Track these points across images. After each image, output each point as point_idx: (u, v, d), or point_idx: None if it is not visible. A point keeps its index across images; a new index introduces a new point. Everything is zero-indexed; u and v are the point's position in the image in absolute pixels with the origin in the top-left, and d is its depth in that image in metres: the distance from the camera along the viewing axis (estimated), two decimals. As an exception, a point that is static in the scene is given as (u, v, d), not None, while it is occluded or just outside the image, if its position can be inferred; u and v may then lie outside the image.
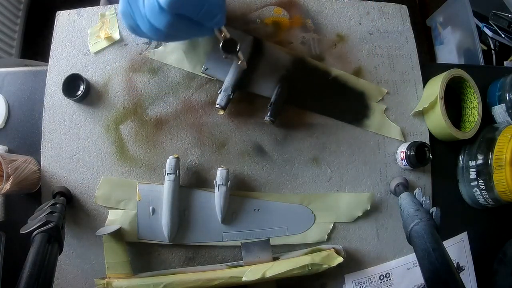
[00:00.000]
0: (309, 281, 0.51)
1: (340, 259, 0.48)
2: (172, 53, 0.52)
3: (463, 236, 0.56)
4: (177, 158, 0.48)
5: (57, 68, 0.52)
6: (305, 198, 0.52)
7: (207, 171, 0.51)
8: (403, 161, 0.53)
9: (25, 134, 0.52)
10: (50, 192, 0.48)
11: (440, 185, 0.57)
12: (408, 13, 0.59)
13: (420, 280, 0.53)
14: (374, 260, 0.53)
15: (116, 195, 0.50)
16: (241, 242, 0.48)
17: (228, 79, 0.49)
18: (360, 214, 0.53)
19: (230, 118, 0.52)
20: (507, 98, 0.56)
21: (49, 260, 0.36)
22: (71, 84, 0.50)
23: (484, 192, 0.54)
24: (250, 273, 0.46)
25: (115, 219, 0.49)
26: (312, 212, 0.52)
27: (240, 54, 0.43)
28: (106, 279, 0.45)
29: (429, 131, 0.56)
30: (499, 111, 0.58)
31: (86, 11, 0.53)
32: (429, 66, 0.59)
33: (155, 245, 0.50)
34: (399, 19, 0.59)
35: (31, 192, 0.50)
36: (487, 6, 1.02)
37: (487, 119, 0.58)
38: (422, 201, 0.47)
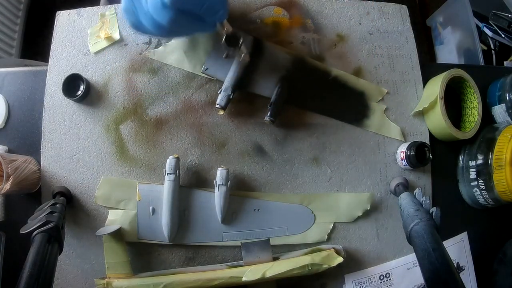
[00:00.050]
0: (309, 281, 0.51)
1: (340, 259, 0.48)
2: (172, 53, 0.52)
3: (463, 236, 0.56)
4: (177, 158, 0.48)
5: (57, 68, 0.52)
6: (305, 198, 0.52)
7: (207, 171, 0.51)
8: (403, 161, 0.53)
9: (25, 134, 0.52)
10: (50, 192, 0.49)
11: (440, 185, 0.57)
12: (408, 13, 0.59)
13: (420, 280, 0.53)
14: (374, 260, 0.53)
15: (116, 195, 0.50)
16: (241, 242, 0.48)
17: (228, 79, 0.49)
18: (360, 214, 0.53)
19: (230, 118, 0.52)
20: (507, 98, 0.56)
21: (49, 260, 0.36)
22: (71, 84, 0.50)
23: (484, 192, 0.53)
24: (250, 273, 0.46)
25: (115, 219, 0.49)
26: (312, 212, 0.52)
27: (243, 47, 0.43)
28: (106, 279, 0.45)
29: (429, 131, 0.56)
30: (499, 111, 0.58)
31: (86, 11, 0.54)
32: (429, 66, 0.59)
33: (155, 245, 0.50)
34: (399, 19, 0.59)
35: (31, 192, 0.50)
36: (487, 6, 1.02)
37: (487, 119, 0.58)
38: (422, 201, 0.47)
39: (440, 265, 0.38)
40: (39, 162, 0.50)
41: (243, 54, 0.44)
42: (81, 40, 0.53)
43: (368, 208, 0.53)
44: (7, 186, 0.43)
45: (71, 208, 0.50)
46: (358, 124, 0.55)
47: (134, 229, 0.49)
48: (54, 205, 0.43)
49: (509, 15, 0.99)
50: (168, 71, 0.52)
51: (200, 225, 0.50)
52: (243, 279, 0.45)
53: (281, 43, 0.54)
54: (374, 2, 0.58)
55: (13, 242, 0.50)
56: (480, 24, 1.03)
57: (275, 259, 0.49)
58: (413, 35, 0.59)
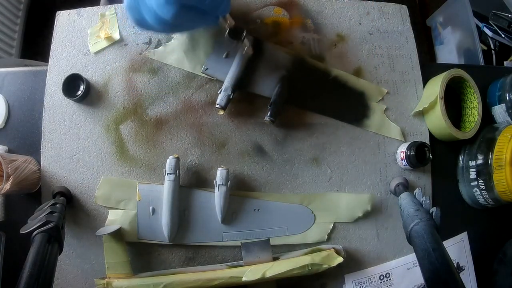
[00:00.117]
0: (309, 281, 0.51)
1: (340, 259, 0.48)
2: (172, 53, 0.52)
3: (463, 236, 0.56)
4: (177, 158, 0.48)
5: (57, 68, 0.52)
6: (305, 198, 0.52)
7: (207, 171, 0.51)
8: (403, 161, 0.53)
9: (25, 134, 0.52)
10: (50, 192, 0.49)
11: (440, 185, 0.57)
12: (408, 13, 0.59)
13: (420, 280, 0.53)
14: (374, 260, 0.53)
15: (116, 195, 0.50)
16: (241, 242, 0.48)
17: (228, 79, 0.49)
18: (360, 214, 0.53)
19: (230, 118, 0.52)
20: (507, 98, 0.56)
21: (49, 260, 0.36)
22: (71, 84, 0.50)
23: (484, 192, 0.53)
24: (250, 273, 0.46)
25: (115, 219, 0.49)
26: (312, 212, 0.52)
27: (246, 40, 0.44)
28: (106, 279, 0.45)
29: (429, 131, 0.56)
30: (499, 111, 0.58)
31: (86, 11, 0.54)
32: (429, 66, 0.59)
33: (155, 245, 0.50)
34: (399, 19, 0.59)
35: (31, 192, 0.50)
36: (487, 6, 1.02)
37: (487, 119, 0.58)
38: (422, 201, 0.47)
39: (440, 265, 0.38)
40: (39, 162, 0.50)
41: (246, 47, 0.45)
42: (81, 40, 0.53)
43: (369, 209, 0.53)
44: (7, 186, 0.43)
45: (71, 208, 0.50)
46: (358, 124, 0.55)
47: (134, 229, 0.49)
48: (54, 205, 0.43)
49: (509, 15, 0.99)
50: (168, 71, 0.52)
51: (200, 225, 0.50)
52: (243, 279, 0.45)
53: (281, 43, 0.54)
54: (374, 2, 0.58)
55: (13, 242, 0.50)
56: (480, 24, 1.03)
57: (275, 259, 0.49)
58: (413, 35, 0.59)
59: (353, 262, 0.53)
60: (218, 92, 0.49)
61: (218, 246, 0.51)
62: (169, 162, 0.47)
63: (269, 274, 0.46)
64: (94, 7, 0.54)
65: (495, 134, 0.53)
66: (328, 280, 0.52)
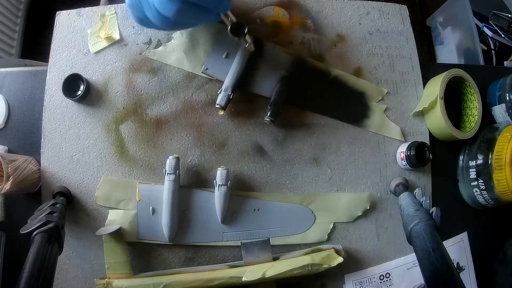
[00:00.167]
0: (309, 281, 0.51)
1: (340, 259, 0.49)
2: (172, 53, 0.52)
3: (463, 236, 0.56)
4: (177, 158, 0.48)
5: (57, 68, 0.52)
6: (305, 198, 0.52)
7: (207, 171, 0.51)
8: (403, 161, 0.53)
9: (25, 134, 0.52)
10: (50, 192, 0.49)
11: (440, 185, 0.57)
12: (408, 13, 0.59)
13: (420, 280, 0.53)
14: (374, 260, 0.53)
15: (116, 195, 0.50)
16: (241, 242, 0.48)
17: (228, 79, 0.49)
18: (359, 213, 0.53)
19: (230, 118, 0.52)
20: (507, 98, 0.56)
21: (49, 260, 0.36)
22: (71, 84, 0.50)
23: (484, 192, 0.53)
24: (250, 273, 0.46)
25: (115, 219, 0.49)
26: (312, 212, 0.52)
27: (247, 37, 0.44)
28: (106, 279, 0.45)
29: (429, 131, 0.56)
30: (499, 111, 0.58)
31: (86, 11, 0.54)
32: (429, 66, 0.59)
33: (155, 245, 0.50)
34: (399, 19, 0.59)
35: (31, 192, 0.50)
36: (487, 6, 1.03)
37: (487, 119, 0.58)
38: (422, 201, 0.47)
39: (440, 265, 0.38)
40: (39, 162, 0.50)
41: (247, 44, 0.45)
42: (81, 40, 0.53)
43: (368, 208, 0.53)
44: (7, 186, 0.43)
45: (71, 208, 0.50)
46: (358, 124, 0.55)
47: (134, 229, 0.49)
48: (54, 205, 0.43)
49: (509, 15, 0.99)
50: (168, 71, 0.52)
51: (200, 225, 0.50)
52: (243, 279, 0.45)
53: (281, 43, 0.54)
54: (374, 2, 0.58)
55: (13, 242, 0.50)
56: (480, 24, 1.03)
57: (275, 259, 0.49)
58: (413, 35, 0.59)
59: (353, 262, 0.53)
60: (218, 92, 0.49)
61: (218, 246, 0.51)
62: (169, 162, 0.47)
63: (269, 274, 0.46)
64: (94, 7, 0.54)
65: (495, 134, 0.53)
66: (328, 280, 0.52)
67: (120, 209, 0.49)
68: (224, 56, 0.52)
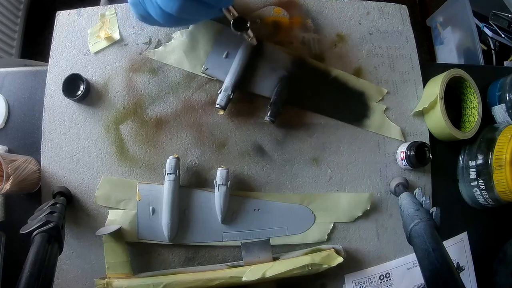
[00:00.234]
0: (309, 281, 0.51)
1: (340, 259, 0.49)
2: (172, 53, 0.52)
3: (463, 236, 0.56)
4: (177, 158, 0.48)
5: (57, 68, 0.52)
6: (305, 198, 0.52)
7: (207, 171, 0.51)
8: (403, 161, 0.53)
9: (25, 134, 0.52)
10: (50, 192, 0.49)
11: (440, 185, 0.57)
12: (408, 13, 0.59)
13: (420, 280, 0.53)
14: (374, 260, 0.53)
15: (116, 195, 0.50)
16: (241, 242, 0.48)
17: (228, 79, 0.49)
18: (360, 214, 0.53)
19: (230, 118, 0.52)
20: (507, 98, 0.56)
21: (49, 260, 0.36)
22: (71, 84, 0.50)
23: (484, 192, 0.53)
24: (250, 273, 0.46)
25: (115, 219, 0.49)
26: (312, 212, 0.52)
27: (250, 31, 0.45)
28: (106, 279, 0.45)
29: (429, 131, 0.56)
30: (499, 111, 0.58)
31: (86, 11, 0.53)
32: (429, 66, 0.59)
33: (155, 245, 0.50)
34: (399, 19, 0.59)
35: (31, 192, 0.50)
36: (487, 6, 1.03)
37: (487, 119, 0.58)
38: (422, 201, 0.47)
39: (440, 265, 0.38)
40: (39, 162, 0.50)
41: (250, 38, 0.45)
42: (81, 40, 0.53)
43: (368, 208, 0.53)
44: (7, 186, 0.43)
45: (71, 208, 0.50)
46: (358, 124, 0.55)
47: (134, 229, 0.49)
48: (54, 205, 0.43)
49: (509, 15, 0.99)
50: (168, 71, 0.52)
51: (200, 225, 0.50)
52: (243, 279, 0.45)
53: (281, 43, 0.54)
54: (374, 2, 0.58)
55: (13, 242, 0.50)
56: (480, 24, 1.03)
57: (275, 259, 0.49)
58: (413, 35, 0.59)
59: (353, 262, 0.53)
60: (218, 92, 0.49)
61: (218, 246, 0.51)
62: (169, 162, 0.47)
63: (269, 274, 0.46)
64: (94, 7, 0.54)
65: (495, 134, 0.53)
66: (328, 280, 0.52)
67: (120, 209, 0.49)
68: (224, 56, 0.52)
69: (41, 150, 0.50)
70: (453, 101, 0.59)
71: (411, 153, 0.51)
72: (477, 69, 0.65)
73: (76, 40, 0.53)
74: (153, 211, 0.49)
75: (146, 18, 0.41)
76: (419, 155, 0.51)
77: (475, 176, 0.55)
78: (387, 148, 0.55)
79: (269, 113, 0.49)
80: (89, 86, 0.51)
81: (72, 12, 0.53)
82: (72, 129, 0.51)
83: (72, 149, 0.50)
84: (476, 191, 0.55)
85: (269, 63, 0.53)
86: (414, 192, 0.49)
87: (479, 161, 0.54)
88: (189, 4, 0.37)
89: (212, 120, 0.52)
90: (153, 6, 0.38)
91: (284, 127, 0.53)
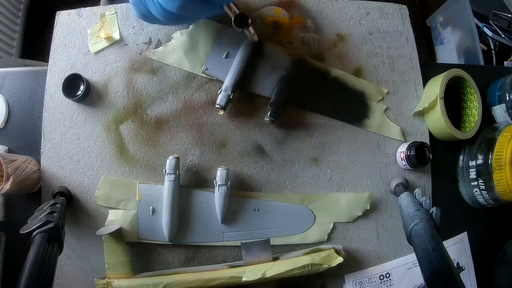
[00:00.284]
0: (309, 281, 0.51)
1: (340, 259, 0.49)
2: (172, 53, 0.52)
3: (463, 236, 0.56)
4: (177, 158, 0.48)
5: (57, 68, 0.52)
6: (305, 198, 0.52)
7: (207, 171, 0.51)
8: (403, 161, 0.53)
9: (25, 134, 0.52)
10: (50, 192, 0.48)
11: (440, 185, 0.57)
12: (408, 13, 0.59)
13: (420, 280, 0.53)
14: (374, 260, 0.53)
15: (116, 195, 0.50)
16: (241, 242, 0.48)
17: (228, 79, 0.49)
18: (360, 213, 0.53)
19: (230, 118, 0.52)
20: (507, 98, 0.56)
21: (49, 260, 0.36)
22: (71, 84, 0.50)
23: (484, 192, 0.54)
24: (250, 273, 0.46)
25: (115, 219, 0.49)
26: (312, 212, 0.52)
27: (251, 28, 0.45)
28: (106, 279, 0.45)
29: (429, 131, 0.56)
30: (499, 111, 0.58)
31: (86, 11, 0.53)
32: (429, 66, 0.59)
33: (155, 245, 0.50)
34: (399, 19, 0.59)
35: (31, 192, 0.50)
36: (487, 6, 1.03)
37: (487, 119, 0.58)
38: (422, 201, 0.47)
39: (440, 265, 0.38)
40: (39, 162, 0.50)
41: (251, 34, 0.46)
42: (81, 40, 0.53)
43: (368, 208, 0.53)
44: (7, 186, 0.43)
45: (71, 208, 0.50)
46: (358, 124, 0.55)
47: (134, 229, 0.49)
48: (54, 205, 0.43)
49: (509, 15, 0.99)
50: (168, 71, 0.52)
51: (200, 225, 0.50)
52: (243, 279, 0.45)
53: (281, 43, 0.54)
54: (374, 2, 0.58)
55: (13, 242, 0.50)
56: (480, 24, 1.03)
57: (275, 259, 0.49)
58: (413, 35, 0.59)
59: (353, 262, 0.53)
60: (218, 92, 0.49)
61: (218, 246, 0.51)
62: (169, 162, 0.47)
63: (269, 274, 0.46)
64: (94, 7, 0.54)
65: (495, 134, 0.53)
66: (328, 280, 0.52)
67: (120, 209, 0.49)
68: (224, 56, 0.52)
69: (41, 150, 0.50)
70: (453, 101, 0.59)
71: (411, 153, 0.51)
72: (477, 69, 0.65)
73: (76, 40, 0.53)
74: (153, 211, 0.49)
75: (147, 16, 0.41)
76: (419, 155, 0.51)
77: (475, 176, 0.55)
78: (387, 148, 0.55)
79: (269, 113, 0.49)
80: (89, 86, 0.51)
81: (72, 12, 0.53)
82: (72, 129, 0.51)
83: (72, 149, 0.50)
84: (476, 191, 0.55)
85: (269, 63, 0.53)
86: (414, 192, 0.49)
87: (479, 161, 0.54)
88: (190, 1, 0.37)
89: (212, 120, 0.52)
90: (154, 5, 0.38)
91: (284, 127, 0.53)
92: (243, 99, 0.53)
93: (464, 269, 0.56)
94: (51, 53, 0.52)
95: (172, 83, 0.52)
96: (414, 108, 0.56)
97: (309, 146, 0.53)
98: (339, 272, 0.52)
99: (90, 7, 0.54)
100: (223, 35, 0.52)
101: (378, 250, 0.54)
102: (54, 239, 0.38)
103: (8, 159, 0.44)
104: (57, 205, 0.43)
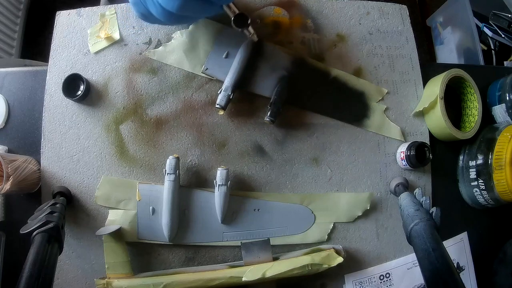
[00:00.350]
0: (309, 281, 0.51)
1: (340, 259, 0.49)
2: (172, 53, 0.52)
3: (463, 236, 0.56)
4: (177, 158, 0.48)
5: (57, 68, 0.52)
6: (305, 198, 0.52)
7: (207, 171, 0.51)
8: (403, 161, 0.53)
9: (25, 134, 0.52)
10: (50, 192, 0.48)
11: (440, 185, 0.57)
12: (408, 13, 0.59)
13: (420, 280, 0.53)
14: (374, 260, 0.53)
15: (116, 195, 0.50)
16: (241, 242, 0.48)
17: (228, 79, 0.49)
18: (360, 213, 0.53)
19: (230, 118, 0.52)
20: (507, 98, 0.56)
21: (49, 260, 0.36)
22: (71, 84, 0.50)
23: (484, 192, 0.54)
24: (250, 273, 0.46)
25: (115, 219, 0.49)
26: (312, 212, 0.52)
27: (250, 28, 0.45)
28: (106, 279, 0.45)
29: (429, 131, 0.56)
30: (499, 111, 0.58)
31: (86, 11, 0.53)
32: (429, 66, 0.59)
33: (155, 245, 0.50)
34: (399, 19, 0.59)
35: (31, 192, 0.50)
36: (487, 6, 1.03)
37: (487, 119, 0.58)
38: (422, 201, 0.47)
39: (440, 265, 0.38)
40: (39, 162, 0.50)
41: (251, 34, 0.46)
42: (81, 40, 0.53)
43: (368, 208, 0.53)
44: (7, 186, 0.43)
45: (71, 208, 0.50)
46: (358, 124, 0.55)
47: (134, 229, 0.49)
48: (54, 205, 0.43)
49: (509, 15, 0.99)
50: (168, 71, 0.52)
51: (200, 225, 0.50)
52: (243, 279, 0.45)
53: (281, 43, 0.54)
54: (374, 2, 0.58)
55: (13, 242, 0.50)
56: (480, 24, 1.03)
57: (275, 259, 0.49)
58: (413, 35, 0.59)
59: (353, 262, 0.53)
60: (218, 92, 0.49)
61: (218, 246, 0.51)
62: (169, 162, 0.47)
63: (269, 274, 0.46)
64: (94, 7, 0.54)
65: (495, 134, 0.53)
66: (328, 280, 0.52)
67: (120, 209, 0.49)
68: (224, 56, 0.52)
69: (41, 150, 0.50)
70: (453, 101, 0.59)
71: (411, 153, 0.51)
72: (477, 69, 0.65)
73: (76, 40, 0.53)
74: (153, 211, 0.49)
75: (147, 16, 0.41)
76: (419, 155, 0.51)
77: (475, 176, 0.55)
78: (387, 148, 0.55)
79: (269, 113, 0.49)
80: (89, 86, 0.51)
81: (72, 12, 0.53)
82: (72, 129, 0.51)
83: (72, 149, 0.50)
84: (476, 191, 0.55)
85: (269, 63, 0.53)
86: (414, 192, 0.49)
87: (479, 161, 0.54)
88: (190, 1, 0.37)
89: (212, 120, 0.52)
90: (154, 5, 0.38)
91: (284, 127, 0.53)
92: (243, 99, 0.53)
93: (464, 269, 0.56)
94: (51, 53, 0.52)
95: (172, 83, 0.52)
96: (414, 108, 0.56)
97: (309, 146, 0.53)
98: (339, 272, 0.52)
99: (90, 7, 0.54)
100: (223, 35, 0.52)
101: (378, 250, 0.54)
102: (54, 239, 0.38)
103: (8, 159, 0.44)
104: (57, 205, 0.43)
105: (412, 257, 0.53)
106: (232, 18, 0.43)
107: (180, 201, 0.49)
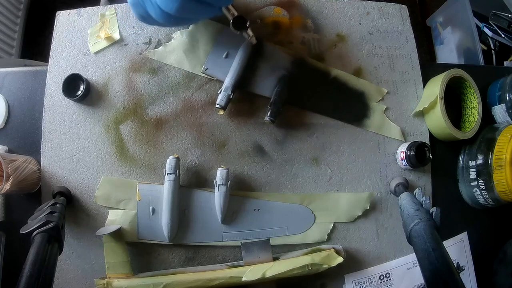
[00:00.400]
0: (309, 281, 0.51)
1: (340, 259, 0.49)
2: (172, 53, 0.52)
3: (463, 236, 0.56)
4: (177, 158, 0.48)
5: (57, 68, 0.52)
6: (305, 198, 0.52)
7: (207, 171, 0.51)
8: (403, 161, 0.53)
9: (25, 134, 0.52)
10: (50, 192, 0.49)
11: (440, 185, 0.57)
12: (408, 13, 0.59)
13: (420, 280, 0.53)
14: (374, 260, 0.53)
15: (116, 195, 0.50)
16: (241, 242, 0.48)
17: (228, 79, 0.49)
18: (359, 213, 0.53)
19: (230, 118, 0.52)
20: (507, 98, 0.56)
21: (49, 260, 0.36)
22: (71, 84, 0.50)
23: (484, 192, 0.54)
24: (250, 273, 0.46)
25: (115, 219, 0.49)
26: (312, 212, 0.52)
27: (249, 30, 0.45)
28: (106, 279, 0.45)
29: (429, 131, 0.56)
30: (499, 111, 0.58)
31: (86, 11, 0.54)
32: (429, 66, 0.59)
33: (155, 245, 0.50)
34: (399, 19, 0.59)
35: (31, 192, 0.50)
36: (487, 6, 1.03)
37: (487, 119, 0.58)
38: (422, 201, 0.47)
39: (440, 265, 0.38)
40: (39, 162, 0.50)
41: (250, 37, 0.46)
42: (81, 40, 0.53)
43: (368, 208, 0.53)
44: (7, 186, 0.43)
45: (71, 208, 0.50)
46: (358, 124, 0.55)
47: (134, 229, 0.49)
48: (54, 205, 0.43)
49: (509, 15, 1.00)
50: (168, 71, 0.52)
51: (200, 225, 0.50)
52: (243, 279, 0.45)
53: (281, 43, 0.54)
54: (374, 2, 0.58)
55: (13, 242, 0.50)
56: (480, 24, 1.03)
57: (275, 259, 0.49)
58: (413, 35, 0.59)
59: (353, 262, 0.53)
60: (218, 92, 0.49)
61: (218, 246, 0.51)
62: (169, 162, 0.47)
63: (269, 274, 0.46)
64: (94, 7, 0.54)
65: (495, 134, 0.53)
66: (328, 280, 0.52)
67: (120, 209, 0.49)
68: (224, 56, 0.52)
69: (41, 150, 0.50)
70: (453, 101, 0.59)
71: (411, 153, 0.51)
72: (477, 69, 0.65)
73: (76, 40, 0.53)
74: (153, 211, 0.49)
75: (145, 18, 0.41)
76: (419, 155, 0.51)
77: (475, 176, 0.55)
78: (387, 148, 0.55)
79: (269, 113, 0.49)
80: (89, 86, 0.51)
81: (72, 12, 0.53)
82: (72, 129, 0.51)
83: (72, 149, 0.50)
84: (476, 191, 0.55)
85: (269, 63, 0.53)
86: (414, 192, 0.49)
87: (479, 161, 0.54)
88: (189, 3, 0.37)
89: (212, 120, 0.52)
90: (152, 6, 0.38)
91: (284, 127, 0.53)
92: (243, 99, 0.53)
93: (464, 269, 0.56)
94: (51, 53, 0.52)
95: (172, 83, 0.52)
96: (414, 108, 0.56)
97: (309, 146, 0.53)
98: (339, 272, 0.52)
99: (90, 7, 0.54)
100: (223, 35, 0.52)
101: (378, 250, 0.54)
102: (54, 239, 0.38)
103: (8, 159, 0.44)
104: (57, 205, 0.43)
105: (412, 257, 0.53)
106: (231, 21, 0.43)
107: (180, 201, 0.49)
